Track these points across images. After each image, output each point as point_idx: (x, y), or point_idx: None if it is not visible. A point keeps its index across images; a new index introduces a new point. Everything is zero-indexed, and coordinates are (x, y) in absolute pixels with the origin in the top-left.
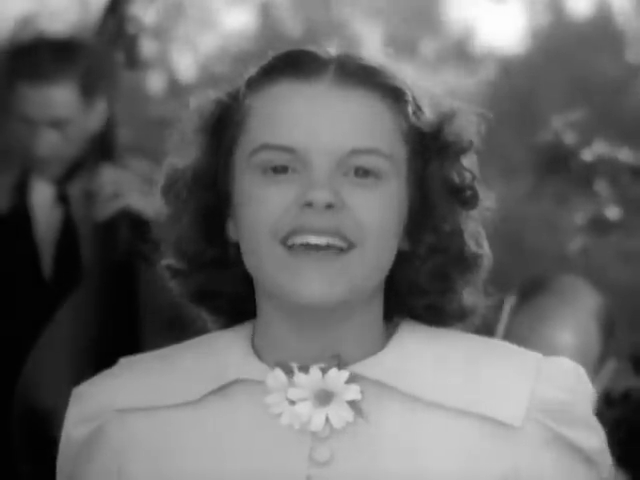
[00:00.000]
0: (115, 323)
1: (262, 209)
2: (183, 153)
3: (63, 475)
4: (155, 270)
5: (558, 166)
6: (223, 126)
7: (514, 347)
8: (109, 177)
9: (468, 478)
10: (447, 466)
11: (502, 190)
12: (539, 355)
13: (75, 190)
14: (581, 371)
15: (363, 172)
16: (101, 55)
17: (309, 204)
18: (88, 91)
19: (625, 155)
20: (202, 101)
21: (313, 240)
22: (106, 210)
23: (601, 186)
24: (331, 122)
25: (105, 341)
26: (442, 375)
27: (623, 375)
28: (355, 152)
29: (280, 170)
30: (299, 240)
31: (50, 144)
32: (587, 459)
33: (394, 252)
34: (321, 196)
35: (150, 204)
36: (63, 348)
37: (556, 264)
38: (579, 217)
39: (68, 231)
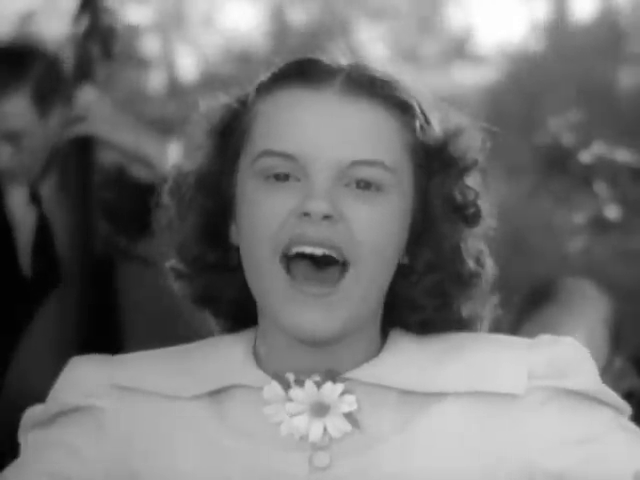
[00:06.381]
0: (97, 319)
1: (261, 217)
2: (190, 156)
3: (30, 420)
4: (134, 265)
5: (557, 167)
6: (230, 131)
7: (501, 335)
8: (85, 98)
9: (473, 461)
10: (448, 459)
11: (503, 190)
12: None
13: (47, 190)
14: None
15: (364, 184)
16: (53, 60)
17: (307, 214)
18: (42, 100)
19: (624, 156)
20: (211, 105)
21: (309, 250)
22: (69, 133)
23: (600, 186)
24: (334, 132)
25: (87, 338)
26: (439, 366)
27: (625, 376)
28: (356, 164)
29: (282, 177)
30: (296, 249)
31: (7, 157)
32: (590, 399)
33: (393, 268)
34: (318, 207)
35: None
36: (47, 344)
37: (556, 264)
38: (579, 217)
39: (43, 230)
